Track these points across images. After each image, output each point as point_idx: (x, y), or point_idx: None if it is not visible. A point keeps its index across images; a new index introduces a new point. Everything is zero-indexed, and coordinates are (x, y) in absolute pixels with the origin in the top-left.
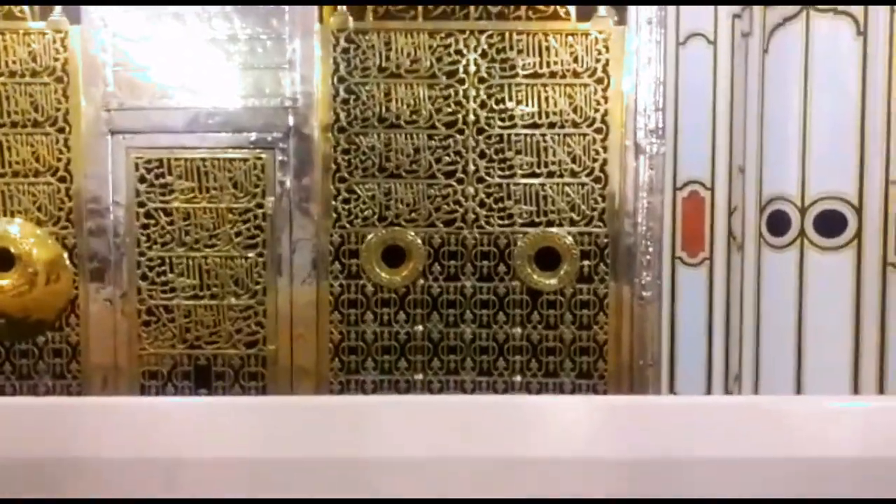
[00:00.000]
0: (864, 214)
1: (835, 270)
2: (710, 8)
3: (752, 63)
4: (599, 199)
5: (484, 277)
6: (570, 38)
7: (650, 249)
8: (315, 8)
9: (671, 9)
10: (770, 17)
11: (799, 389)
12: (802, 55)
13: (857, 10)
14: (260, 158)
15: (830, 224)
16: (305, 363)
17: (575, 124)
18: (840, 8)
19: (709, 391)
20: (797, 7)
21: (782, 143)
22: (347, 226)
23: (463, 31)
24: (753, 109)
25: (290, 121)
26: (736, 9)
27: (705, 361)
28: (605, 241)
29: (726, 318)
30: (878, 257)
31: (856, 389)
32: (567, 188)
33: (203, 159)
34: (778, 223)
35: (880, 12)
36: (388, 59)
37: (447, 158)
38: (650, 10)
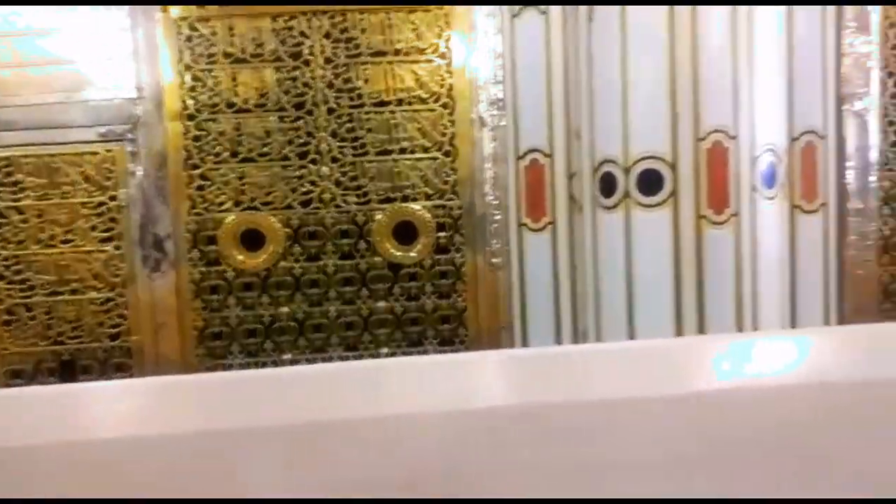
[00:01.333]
0: (678, 172)
1: (656, 226)
2: None
3: (581, 32)
4: (451, 171)
5: (345, 255)
6: (412, 15)
7: (497, 218)
8: None
9: None
10: None
11: (632, 337)
12: (620, 22)
13: None
14: (110, 151)
15: (650, 183)
16: (170, 352)
17: (422, 100)
18: None
19: (559, 341)
20: None
21: (608, 107)
22: (203, 212)
23: (305, 13)
24: (584, 77)
25: (139, 111)
26: None
27: (554, 320)
28: (459, 212)
29: (572, 278)
30: (693, 211)
31: (679, 333)
32: (419, 163)
33: (52, 155)
34: (608, 185)
35: None
36: (232, 44)
37: (299, 140)
38: None
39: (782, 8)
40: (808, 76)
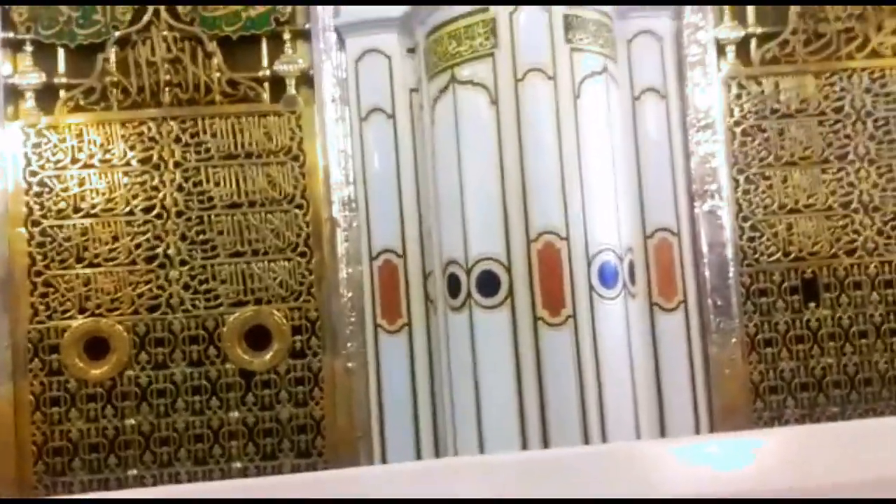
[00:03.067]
0: (512, 273)
1: (496, 328)
2: (387, 84)
3: (427, 135)
4: (307, 273)
5: (194, 362)
6: (263, 118)
7: (353, 320)
8: (0, 104)
9: (352, 86)
10: (429, 91)
11: (481, 448)
12: (454, 126)
13: (489, 80)
14: None
15: (489, 284)
16: (5, 470)
17: (275, 201)
18: (476, 79)
19: (418, 457)
20: (447, 79)
21: (449, 209)
22: (46, 320)
23: (155, 119)
24: (430, 179)
25: None
26: (412, 83)
27: (413, 429)
28: (315, 314)
29: (430, 381)
30: (529, 313)
31: (524, 444)
32: (273, 265)
33: None
34: (453, 286)
35: (507, 81)
36: (80, 150)
37: (147, 244)
38: (334, 89)
39: (623, 109)
40: (658, 175)
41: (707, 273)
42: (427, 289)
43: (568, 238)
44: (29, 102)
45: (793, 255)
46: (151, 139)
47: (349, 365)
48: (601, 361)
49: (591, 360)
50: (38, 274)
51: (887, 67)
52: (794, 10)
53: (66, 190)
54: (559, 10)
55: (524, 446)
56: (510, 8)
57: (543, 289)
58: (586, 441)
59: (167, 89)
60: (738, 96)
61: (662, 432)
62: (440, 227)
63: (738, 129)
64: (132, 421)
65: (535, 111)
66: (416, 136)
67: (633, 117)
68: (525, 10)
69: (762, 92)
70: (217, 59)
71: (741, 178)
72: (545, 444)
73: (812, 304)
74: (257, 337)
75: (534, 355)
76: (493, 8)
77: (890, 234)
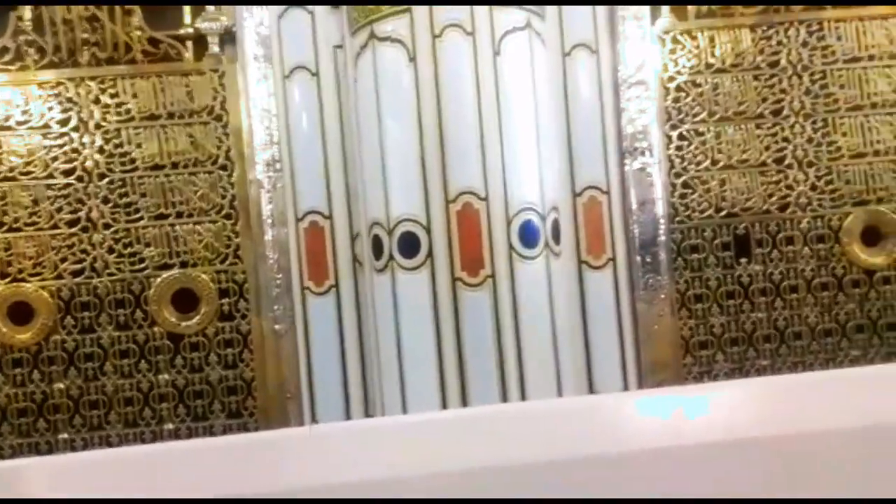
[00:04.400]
0: (432, 234)
1: (416, 289)
2: (311, 41)
3: (350, 93)
4: (233, 235)
5: (121, 326)
6: (185, 77)
7: (279, 282)
8: None
9: (275, 44)
10: (351, 48)
11: (405, 409)
12: (374, 84)
13: (406, 37)
14: None
15: (409, 245)
16: None
17: (199, 163)
18: (394, 36)
19: (348, 417)
20: (367, 36)
21: (372, 170)
22: None
23: (73, 79)
24: (355, 139)
25: None
26: (337, 39)
27: (342, 389)
28: (243, 276)
29: (359, 343)
30: (448, 274)
31: (444, 403)
32: (198, 227)
33: None
34: (377, 247)
35: (425, 37)
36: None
37: (68, 207)
38: (257, 47)
39: (552, 65)
40: (588, 132)
41: (636, 230)
42: (355, 250)
43: (487, 198)
44: None
45: (725, 212)
46: (70, 100)
47: (277, 327)
48: (521, 320)
49: (510, 319)
50: None
51: (825, 20)
52: None
53: None
54: None
55: (444, 406)
56: None
57: (462, 249)
58: (504, 400)
59: (85, 48)
60: (673, 51)
61: (590, 388)
62: (364, 188)
63: (671, 85)
64: (60, 385)
65: (453, 68)
66: (342, 94)
67: (564, 74)
68: None
69: (697, 46)
70: (137, 17)
71: (674, 135)
72: (464, 403)
73: (744, 260)
74: (184, 300)
75: (452, 316)
76: None
77: (823, 189)
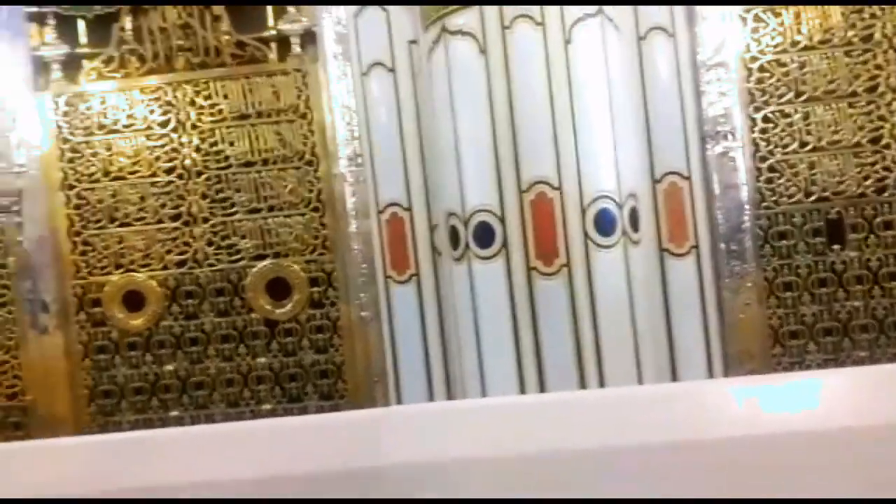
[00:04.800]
0: (506, 224)
1: (492, 278)
2: (386, 37)
3: (425, 87)
4: (320, 227)
5: (222, 313)
6: (271, 78)
7: (364, 271)
8: (30, 75)
9: (353, 42)
10: (425, 43)
11: (484, 394)
12: (446, 77)
13: (477, 29)
14: None
15: (484, 235)
16: (62, 411)
17: (287, 159)
18: (465, 29)
19: (431, 400)
20: (438, 30)
21: (447, 161)
22: (87, 276)
23: (170, 83)
24: (432, 131)
25: (20, 184)
26: (411, 35)
27: (425, 371)
28: (331, 266)
29: (441, 328)
30: (523, 263)
31: (521, 389)
32: (288, 220)
33: None
34: (454, 237)
35: (495, 29)
36: (105, 116)
37: (171, 203)
38: (336, 46)
39: (627, 50)
40: (667, 117)
41: (720, 217)
42: (434, 240)
43: (560, 187)
44: (55, 73)
45: (815, 196)
46: (168, 103)
47: (363, 314)
48: (598, 309)
49: (587, 307)
50: (77, 234)
51: None
52: None
53: (94, 154)
54: None
55: (522, 391)
56: None
57: (536, 239)
58: (583, 387)
59: (179, 54)
60: (755, 30)
61: (674, 379)
62: (440, 180)
63: (754, 66)
64: (170, 367)
65: (523, 59)
66: (417, 88)
67: (640, 59)
68: None
69: (782, 24)
70: (225, 23)
71: (758, 117)
72: (542, 390)
73: (837, 247)
74: (278, 288)
75: (528, 305)
76: None
77: None
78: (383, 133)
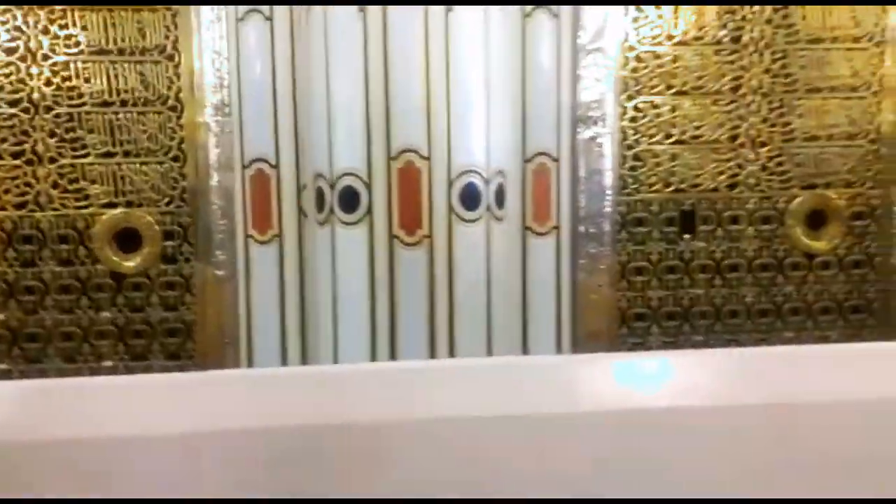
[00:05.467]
0: (372, 190)
1: (354, 244)
2: None
3: (306, 42)
4: (179, 178)
5: (63, 262)
6: (137, 13)
7: (223, 228)
8: None
9: None
10: None
11: (335, 359)
12: (323, 35)
13: None
14: None
15: (350, 200)
16: None
17: (148, 102)
18: None
19: (284, 365)
20: None
21: (319, 121)
22: None
23: (21, 8)
24: (307, 89)
25: None
26: None
27: (280, 337)
28: (188, 220)
29: (301, 293)
30: (386, 231)
31: (373, 356)
32: (145, 167)
33: None
34: (320, 199)
35: None
36: None
37: (13, 139)
38: None
39: (511, 27)
40: (543, 98)
41: (582, 200)
42: (301, 201)
43: (430, 158)
44: None
45: (673, 187)
46: (17, 28)
47: (218, 273)
48: (455, 282)
49: (444, 279)
50: None
51: None
52: None
53: None
54: None
55: (372, 359)
56: None
57: (401, 208)
58: (432, 357)
59: None
60: (636, 20)
61: (524, 352)
62: (311, 139)
63: (631, 55)
64: (0, 316)
65: (402, 25)
66: (296, 42)
67: (522, 36)
68: None
69: (661, 16)
70: None
71: (629, 106)
72: (392, 357)
73: (687, 236)
74: (128, 240)
75: (387, 273)
76: None
77: (774, 170)
78: (256, 85)
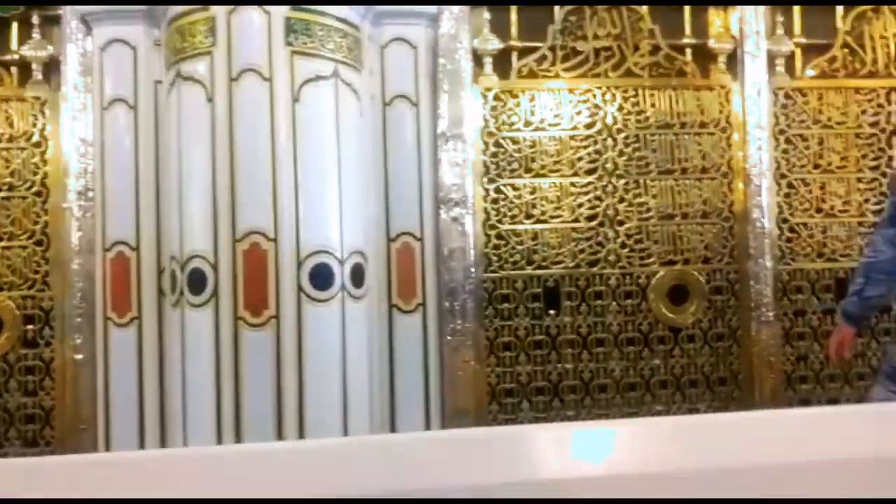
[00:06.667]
0: (218, 271)
1: (202, 327)
2: (132, 75)
3: (165, 129)
4: (42, 261)
5: None
6: (5, 104)
7: (82, 311)
8: None
9: (97, 75)
10: (166, 85)
11: (185, 443)
12: (177, 122)
13: (206, 78)
14: None
15: (198, 281)
16: None
17: (12, 188)
18: (196, 76)
19: (142, 447)
20: (174, 75)
21: (172, 205)
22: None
23: None
24: (166, 174)
25: None
26: (158, 75)
27: (138, 421)
28: (50, 304)
29: (160, 375)
30: (231, 312)
31: (219, 439)
32: (7, 252)
33: None
34: (173, 281)
35: (223, 79)
36: None
37: None
38: (78, 77)
39: (373, 114)
40: (405, 181)
41: (447, 277)
42: (162, 284)
43: (276, 239)
44: None
45: (536, 264)
46: None
47: (77, 356)
48: (306, 362)
49: (293, 359)
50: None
51: (640, 87)
52: (553, 26)
53: None
54: (280, 12)
55: (219, 441)
56: (229, 7)
57: (247, 289)
58: (280, 438)
59: None
60: (494, 108)
61: (393, 431)
62: (169, 223)
63: (490, 140)
64: None
65: (249, 111)
66: (160, 129)
67: (383, 123)
68: (243, 11)
69: (518, 105)
70: None
71: (491, 188)
72: (238, 440)
73: (552, 312)
74: None
75: (232, 355)
76: (213, 7)
77: (633, 247)
78: (119, 170)
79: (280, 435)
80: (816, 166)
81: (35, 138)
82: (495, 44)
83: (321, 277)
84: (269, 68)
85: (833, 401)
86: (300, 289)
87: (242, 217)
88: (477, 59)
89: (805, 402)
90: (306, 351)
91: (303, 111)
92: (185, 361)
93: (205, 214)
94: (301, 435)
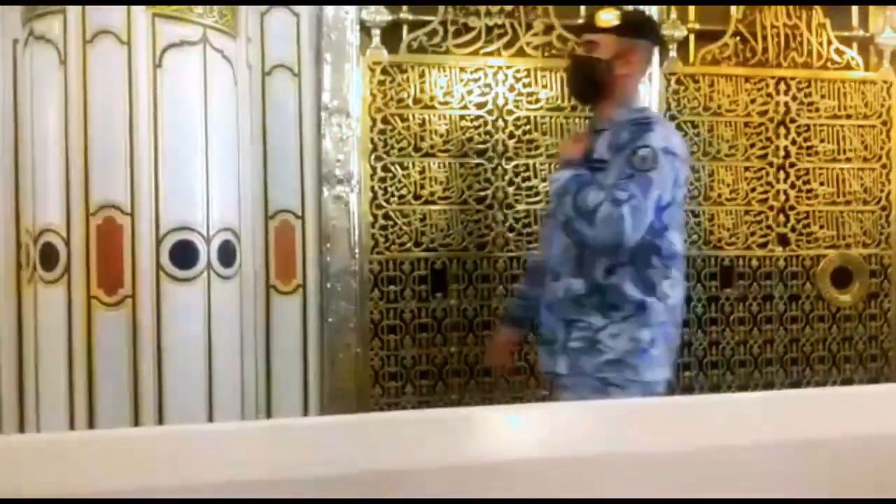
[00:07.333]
0: (71, 246)
1: (54, 304)
2: None
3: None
4: None
5: None
6: None
7: None
8: None
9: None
10: (20, 45)
11: (38, 428)
12: (30, 84)
13: (58, 37)
14: None
15: (50, 257)
16: None
17: None
18: (48, 36)
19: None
20: (27, 33)
21: (25, 177)
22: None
23: None
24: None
25: None
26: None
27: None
28: None
29: (19, 354)
30: (84, 290)
31: (71, 424)
32: None
33: None
34: (26, 257)
35: (76, 41)
36: None
37: None
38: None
39: (250, 84)
40: (285, 156)
41: (329, 258)
42: (20, 257)
43: (133, 214)
44: None
45: (424, 246)
46: None
47: None
48: (165, 342)
49: (150, 342)
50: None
51: (532, 67)
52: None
53: None
54: None
55: (71, 426)
56: None
57: (100, 267)
58: (136, 423)
59: None
60: (382, 83)
61: (269, 414)
62: (22, 193)
63: (378, 117)
64: None
65: (105, 77)
66: (18, 93)
67: (262, 94)
68: None
69: (407, 80)
70: None
71: (378, 166)
72: (91, 425)
73: (439, 294)
74: None
75: (85, 336)
76: None
77: (521, 231)
78: None
79: (136, 419)
80: None
81: None
82: (384, 15)
83: (183, 255)
84: (126, 32)
85: None
86: (159, 267)
87: (96, 190)
88: (365, 30)
89: None
90: (166, 332)
91: (166, 78)
92: (38, 341)
93: (57, 186)
94: (160, 420)
